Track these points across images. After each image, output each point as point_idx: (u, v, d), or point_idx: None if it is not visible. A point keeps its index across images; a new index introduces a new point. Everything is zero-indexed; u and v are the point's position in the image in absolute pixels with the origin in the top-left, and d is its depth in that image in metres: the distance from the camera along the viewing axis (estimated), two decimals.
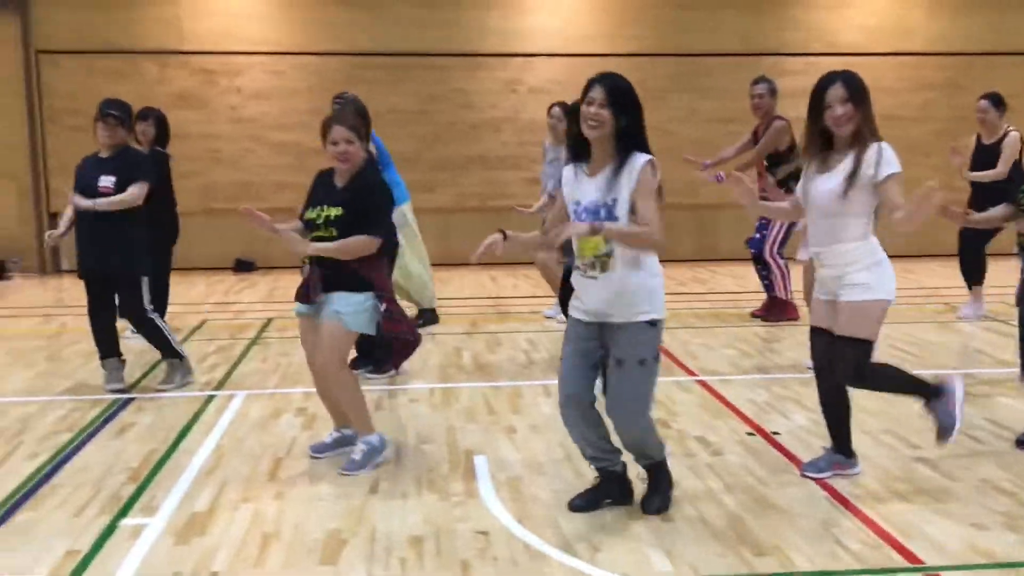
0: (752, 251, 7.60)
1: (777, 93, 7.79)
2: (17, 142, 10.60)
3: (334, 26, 10.85)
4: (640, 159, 3.43)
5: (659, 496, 3.73)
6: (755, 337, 7.07)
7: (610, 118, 3.39)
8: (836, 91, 3.73)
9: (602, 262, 3.46)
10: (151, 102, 9.78)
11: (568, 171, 3.59)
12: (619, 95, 3.42)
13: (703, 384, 5.66)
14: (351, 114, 4.55)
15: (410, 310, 6.89)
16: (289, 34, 10.87)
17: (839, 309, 3.85)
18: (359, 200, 4.15)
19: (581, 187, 3.53)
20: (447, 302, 8.32)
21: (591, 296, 3.54)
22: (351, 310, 4.12)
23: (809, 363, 4.61)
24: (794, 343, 6.69)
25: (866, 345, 3.81)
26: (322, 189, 4.25)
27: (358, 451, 4.21)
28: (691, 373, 5.94)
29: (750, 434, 4.67)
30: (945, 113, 11.70)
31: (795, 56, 11.49)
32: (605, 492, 3.74)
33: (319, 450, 4.39)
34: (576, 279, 3.59)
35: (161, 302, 6.83)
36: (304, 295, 4.24)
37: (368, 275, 4.16)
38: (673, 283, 10.00)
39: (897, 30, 11.66)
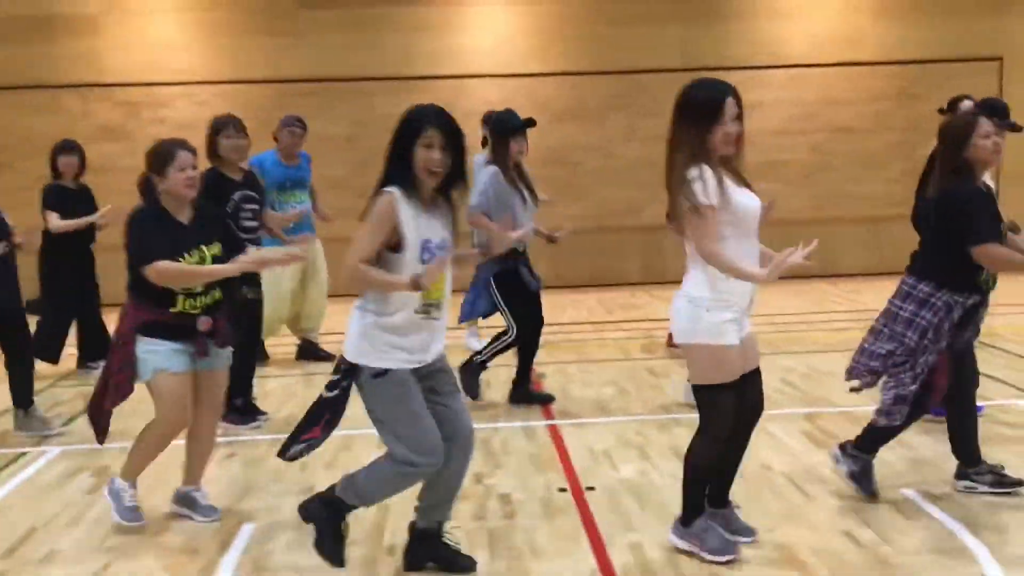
0: None
1: None
2: None
3: (259, 53, 10.66)
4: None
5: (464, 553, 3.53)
6: (645, 372, 6.69)
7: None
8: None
9: (438, 304, 3.32)
10: (75, 136, 9.70)
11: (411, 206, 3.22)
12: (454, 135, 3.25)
13: (553, 429, 5.32)
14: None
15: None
16: (213, 63, 10.69)
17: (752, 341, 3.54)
18: (221, 229, 4.00)
19: (430, 224, 3.27)
20: None
21: (435, 338, 3.35)
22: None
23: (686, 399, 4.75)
24: (682, 378, 6.32)
25: None
26: (174, 231, 3.83)
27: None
28: (548, 416, 5.60)
29: (562, 490, 4.31)
30: (900, 123, 11.25)
31: (739, 69, 11.10)
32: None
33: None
34: (418, 323, 3.26)
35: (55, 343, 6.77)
36: (204, 349, 3.87)
37: None
38: (602, 310, 9.67)
39: (845, 39, 11.23)
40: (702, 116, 3.35)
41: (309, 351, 7.41)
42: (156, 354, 3.79)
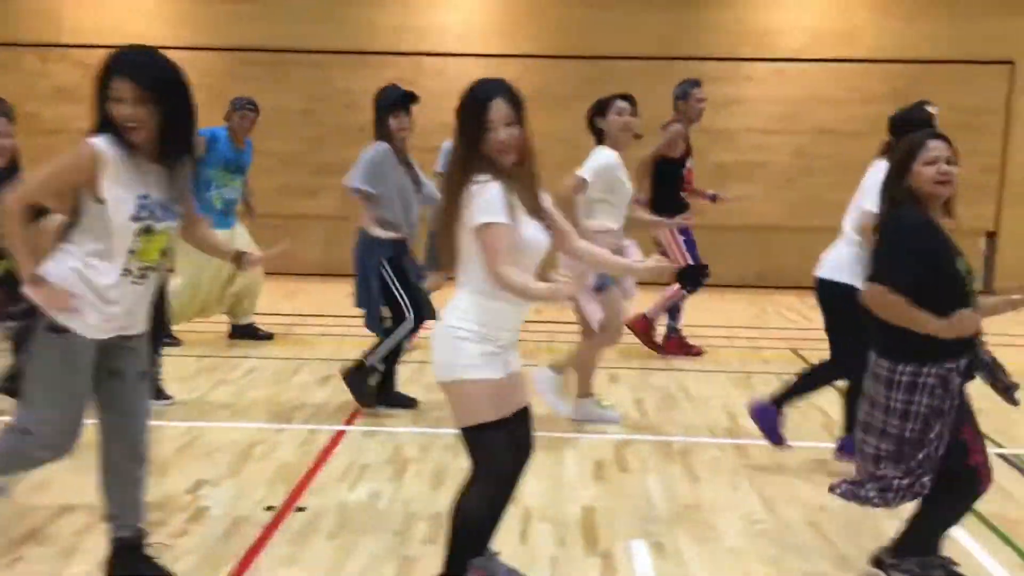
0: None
1: None
2: None
3: (219, 20, 10.45)
4: None
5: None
6: None
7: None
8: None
9: (159, 264, 3.01)
10: (32, 95, 9.69)
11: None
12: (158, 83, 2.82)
13: (339, 435, 4.91)
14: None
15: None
16: (172, 28, 10.51)
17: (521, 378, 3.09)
18: None
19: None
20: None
21: (140, 307, 3.01)
22: None
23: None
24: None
25: None
26: None
27: None
28: (350, 421, 5.20)
29: (268, 508, 3.90)
30: None
31: (720, 60, 10.40)
32: None
33: None
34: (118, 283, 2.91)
35: None
36: None
37: None
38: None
39: (840, 34, 10.40)
40: (470, 121, 2.86)
41: (246, 332, 7.25)
42: None
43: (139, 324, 3.05)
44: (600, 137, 5.12)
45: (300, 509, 3.90)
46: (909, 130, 4.35)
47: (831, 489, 3.27)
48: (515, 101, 2.90)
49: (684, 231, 6.87)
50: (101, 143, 2.79)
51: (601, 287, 5.04)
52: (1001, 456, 4.83)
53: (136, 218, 2.85)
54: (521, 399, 3.05)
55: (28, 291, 2.82)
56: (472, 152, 2.86)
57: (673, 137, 6.92)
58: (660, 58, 10.27)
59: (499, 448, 2.94)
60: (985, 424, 3.26)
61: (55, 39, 10.47)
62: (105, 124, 2.80)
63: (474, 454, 2.97)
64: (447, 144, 6.84)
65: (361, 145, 11.14)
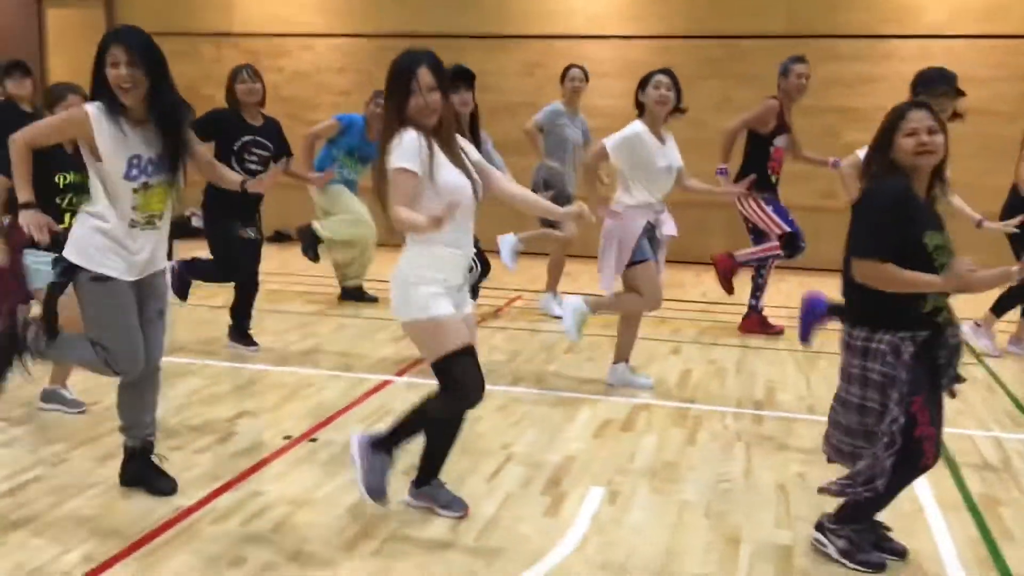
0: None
1: None
2: None
3: (363, 9, 11.20)
4: None
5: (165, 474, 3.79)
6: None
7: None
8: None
9: (161, 216, 3.57)
10: (209, 80, 10.81)
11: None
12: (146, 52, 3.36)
13: (386, 383, 5.41)
14: None
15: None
16: (325, 18, 11.37)
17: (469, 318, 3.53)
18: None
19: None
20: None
21: (157, 249, 3.57)
22: None
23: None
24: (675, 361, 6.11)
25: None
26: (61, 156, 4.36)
27: None
28: (401, 373, 5.67)
29: (286, 437, 4.44)
30: None
31: (856, 38, 10.06)
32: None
33: None
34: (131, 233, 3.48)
35: None
36: None
37: None
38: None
39: (985, 8, 9.78)
40: (398, 87, 3.28)
41: (353, 295, 7.82)
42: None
43: (159, 263, 3.63)
44: (641, 110, 5.27)
45: (313, 440, 4.42)
46: (927, 89, 4.31)
47: (821, 490, 3.29)
48: (438, 70, 3.26)
49: (770, 201, 6.79)
50: (92, 108, 3.37)
51: (639, 261, 5.20)
52: None
53: (128, 176, 3.41)
54: (470, 339, 3.39)
55: (21, 216, 3.42)
56: (400, 114, 3.26)
57: (762, 111, 6.85)
58: (790, 36, 10.08)
59: (464, 373, 3.31)
60: None
61: (227, 29, 11.62)
62: (99, 92, 3.39)
63: (444, 382, 3.36)
64: (552, 106, 7.39)
65: (492, 125, 11.63)
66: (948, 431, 4.76)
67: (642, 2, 10.61)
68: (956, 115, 4.64)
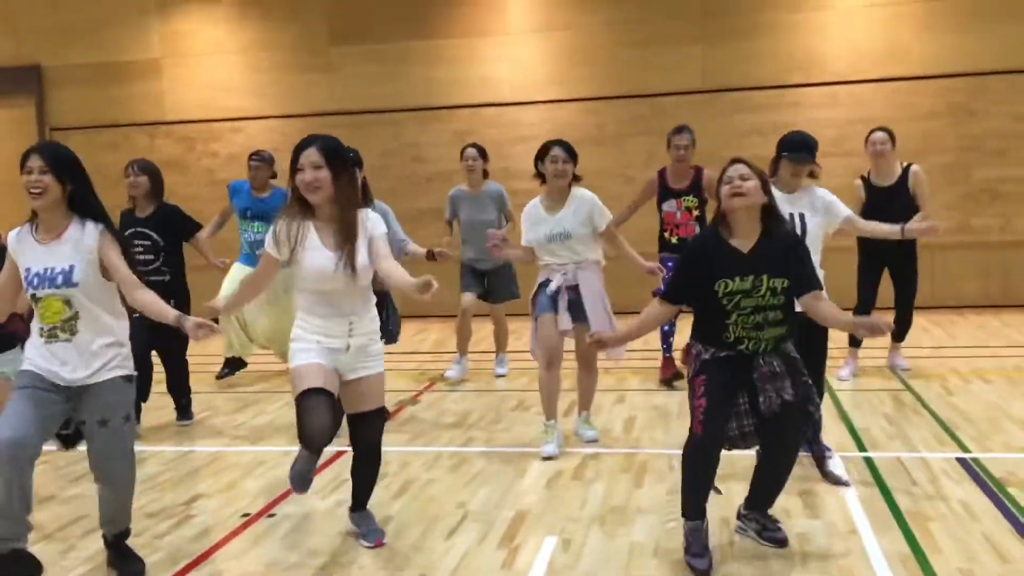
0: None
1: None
2: None
3: (297, 90, 11.45)
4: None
5: (138, 559, 3.86)
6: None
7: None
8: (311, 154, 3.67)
9: (70, 326, 3.57)
10: None
11: None
12: (59, 161, 3.51)
13: (339, 455, 5.52)
14: None
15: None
16: (257, 100, 11.59)
17: (369, 382, 3.90)
18: None
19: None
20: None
21: (67, 361, 3.60)
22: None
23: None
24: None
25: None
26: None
27: None
28: None
29: (244, 515, 4.53)
30: (954, 143, 10.25)
31: (767, 89, 10.58)
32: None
33: None
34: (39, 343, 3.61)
35: None
36: None
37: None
38: None
39: (887, 53, 10.37)
40: (290, 166, 3.73)
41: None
42: None
43: (81, 373, 3.56)
44: (543, 180, 5.43)
45: (271, 515, 4.52)
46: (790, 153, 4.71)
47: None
48: (326, 150, 3.65)
49: (667, 261, 6.84)
50: (11, 234, 3.60)
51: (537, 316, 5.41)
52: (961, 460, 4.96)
53: (28, 287, 3.56)
54: (360, 404, 3.91)
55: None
56: (293, 189, 3.71)
57: (641, 193, 7.31)
58: (706, 91, 10.57)
59: (303, 416, 3.68)
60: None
61: (160, 118, 11.77)
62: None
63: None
64: (452, 192, 7.53)
65: (429, 193, 11.83)
66: (878, 455, 5.06)
67: (566, 67, 11.02)
68: (812, 175, 5.05)
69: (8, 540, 3.49)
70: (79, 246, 3.53)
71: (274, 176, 7.64)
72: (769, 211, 3.68)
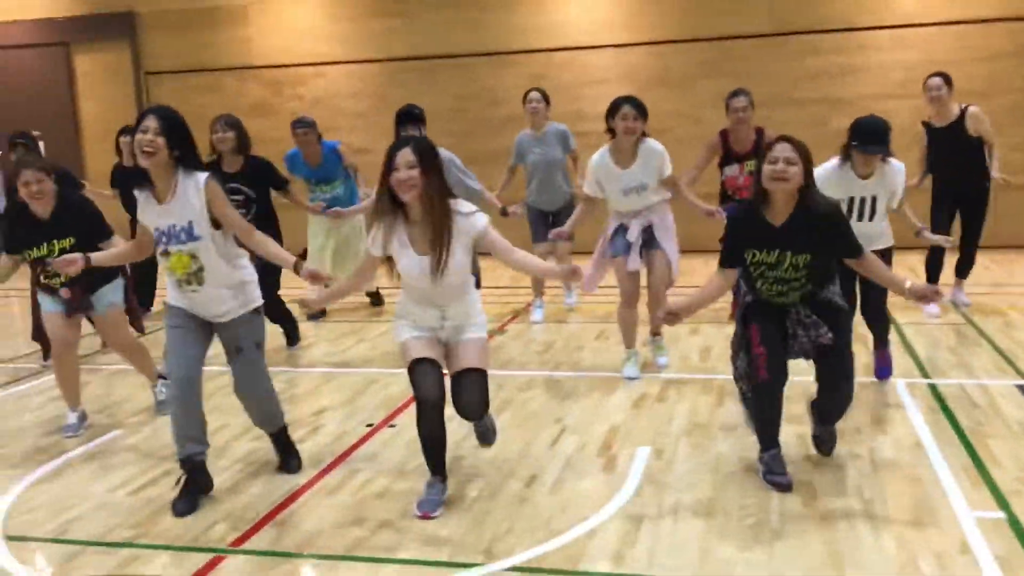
0: None
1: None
2: None
3: (372, 36, 11.90)
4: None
5: (294, 454, 4.46)
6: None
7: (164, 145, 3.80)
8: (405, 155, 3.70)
9: (197, 278, 4.00)
10: (235, 111, 11.47)
11: None
12: (172, 125, 3.82)
13: None
14: (36, 155, 5.54)
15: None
16: (337, 46, 12.07)
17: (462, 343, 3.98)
18: (79, 223, 4.96)
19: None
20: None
21: (203, 303, 4.10)
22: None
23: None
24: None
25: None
26: (29, 227, 4.94)
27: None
28: None
29: (368, 425, 5.12)
30: (1020, 84, 10.37)
31: (836, 32, 10.76)
32: (198, 484, 4.12)
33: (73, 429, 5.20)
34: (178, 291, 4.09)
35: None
36: (70, 310, 5.09)
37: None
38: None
39: None
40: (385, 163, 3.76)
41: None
42: (43, 300, 5.18)
43: (214, 313, 4.10)
44: (613, 134, 5.67)
45: (392, 426, 5.11)
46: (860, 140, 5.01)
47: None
48: (420, 150, 3.72)
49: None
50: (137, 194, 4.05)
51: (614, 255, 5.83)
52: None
53: (158, 244, 4.04)
54: (459, 362, 3.94)
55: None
56: (386, 188, 3.77)
57: (702, 155, 7.23)
58: (774, 34, 10.79)
59: (416, 387, 3.86)
60: None
61: (248, 62, 12.32)
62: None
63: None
64: (518, 136, 7.76)
65: (504, 135, 12.20)
66: (941, 381, 5.48)
67: (635, 12, 11.30)
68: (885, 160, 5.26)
69: (197, 454, 4.12)
70: (192, 198, 3.88)
71: (319, 138, 7.80)
72: (805, 190, 3.91)
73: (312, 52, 12.16)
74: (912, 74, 10.73)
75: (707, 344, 6.71)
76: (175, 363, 4.05)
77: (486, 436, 4.32)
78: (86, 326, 5.51)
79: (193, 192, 3.90)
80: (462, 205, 3.84)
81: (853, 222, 4.73)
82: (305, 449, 4.76)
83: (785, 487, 4.01)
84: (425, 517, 3.86)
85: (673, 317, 4.01)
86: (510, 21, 11.52)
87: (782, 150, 3.87)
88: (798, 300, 4.04)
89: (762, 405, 4.09)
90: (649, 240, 5.81)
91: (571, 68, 11.39)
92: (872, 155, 5.04)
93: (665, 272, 5.85)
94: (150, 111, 3.90)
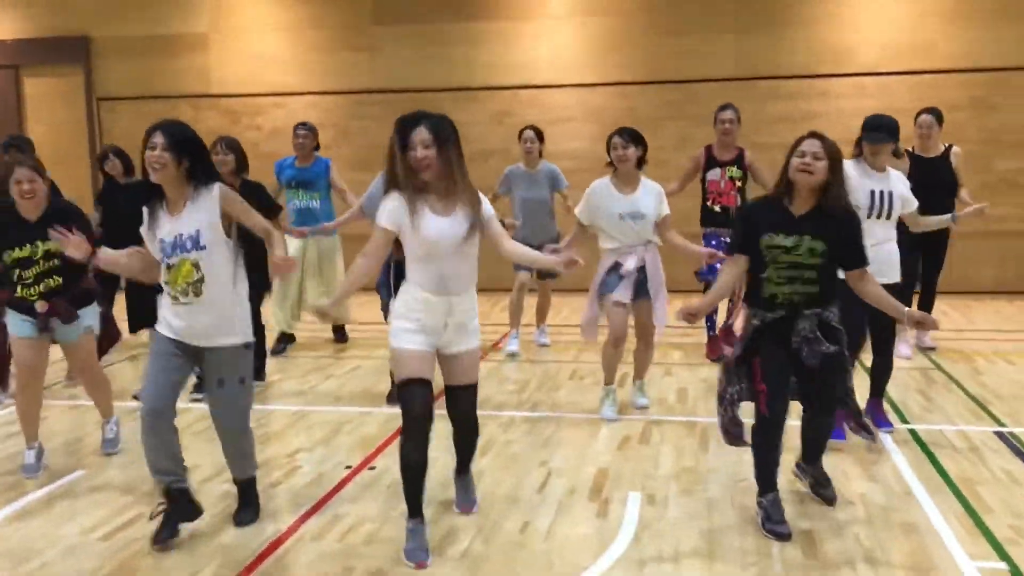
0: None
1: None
2: (83, 175, 12.36)
3: (336, 68, 11.79)
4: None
5: (252, 509, 4.23)
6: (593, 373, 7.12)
7: None
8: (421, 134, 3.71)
9: (195, 288, 3.87)
10: None
11: None
12: (179, 139, 3.78)
13: None
14: (31, 158, 5.32)
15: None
16: (300, 76, 11.92)
17: (459, 358, 3.96)
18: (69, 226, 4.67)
19: None
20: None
21: (193, 322, 3.92)
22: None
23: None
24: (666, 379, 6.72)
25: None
26: (15, 227, 4.79)
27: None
28: None
29: (346, 467, 4.96)
30: (974, 135, 10.64)
31: (799, 79, 10.96)
32: (180, 512, 3.99)
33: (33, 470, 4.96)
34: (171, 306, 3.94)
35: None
36: (44, 326, 4.82)
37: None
38: None
39: (914, 47, 10.76)
40: (396, 141, 3.76)
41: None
42: (11, 323, 4.89)
43: (203, 337, 3.93)
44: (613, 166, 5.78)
45: (371, 468, 4.94)
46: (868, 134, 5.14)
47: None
48: (436, 129, 3.74)
49: (711, 236, 7.37)
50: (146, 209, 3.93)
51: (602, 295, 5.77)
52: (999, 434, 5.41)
53: (163, 257, 3.91)
54: (456, 377, 3.98)
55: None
56: (400, 166, 3.75)
57: (688, 168, 7.69)
58: (739, 79, 10.94)
59: (407, 405, 3.83)
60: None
61: (205, 90, 12.09)
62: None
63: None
64: (509, 169, 7.88)
65: (468, 172, 11.92)
66: (920, 427, 5.49)
67: (601, 52, 11.37)
68: (896, 155, 5.47)
69: (173, 482, 3.94)
70: (202, 208, 3.82)
71: (317, 147, 8.11)
72: (828, 186, 3.97)
73: (273, 82, 12.00)
74: None
75: (682, 385, 6.67)
76: (149, 392, 3.89)
77: (469, 490, 4.32)
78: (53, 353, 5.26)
79: (205, 201, 3.84)
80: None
81: (872, 220, 4.99)
82: (283, 492, 4.58)
83: (784, 537, 3.95)
84: (421, 567, 3.71)
85: (691, 316, 4.07)
86: (477, 58, 11.51)
87: (810, 145, 3.95)
88: (802, 305, 3.98)
89: (761, 442, 4.07)
90: (640, 287, 5.76)
91: (536, 106, 11.40)
92: (877, 143, 5.12)
93: (652, 326, 5.87)
94: (157, 127, 3.87)
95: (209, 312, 3.91)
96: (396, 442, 5.24)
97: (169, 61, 12.10)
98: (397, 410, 5.95)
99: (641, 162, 5.77)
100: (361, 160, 10.94)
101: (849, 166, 5.35)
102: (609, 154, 5.79)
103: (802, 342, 4.00)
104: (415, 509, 3.88)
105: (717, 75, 11.02)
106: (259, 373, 6.89)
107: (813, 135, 4.02)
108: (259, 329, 6.83)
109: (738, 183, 7.51)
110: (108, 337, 5.25)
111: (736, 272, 4.20)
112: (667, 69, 11.18)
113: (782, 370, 4.03)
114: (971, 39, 10.63)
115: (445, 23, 11.52)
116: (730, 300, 7.73)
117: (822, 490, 4.38)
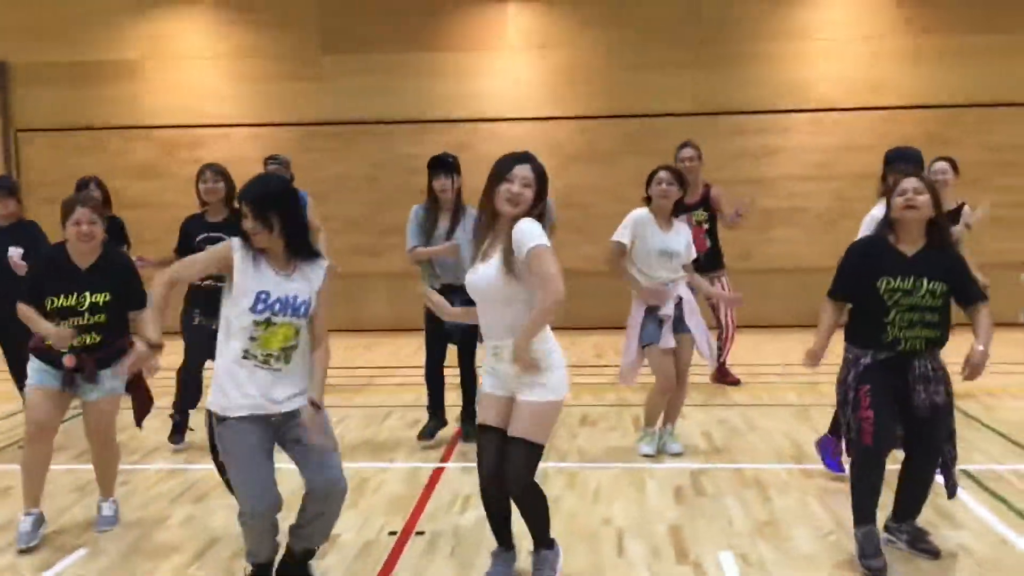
0: None
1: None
2: None
3: (286, 98, 11.21)
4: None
5: None
6: (594, 416, 6.72)
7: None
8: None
9: (287, 355, 3.56)
10: (116, 173, 10.40)
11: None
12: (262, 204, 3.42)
13: (437, 472, 5.43)
14: (95, 198, 4.77)
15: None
16: (244, 107, 11.30)
17: (518, 407, 3.63)
18: (121, 278, 4.35)
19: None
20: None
21: (278, 387, 3.57)
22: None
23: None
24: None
25: (539, 450, 3.68)
26: (65, 273, 4.29)
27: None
28: (446, 459, 5.71)
29: (391, 533, 4.42)
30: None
31: (759, 114, 10.98)
32: None
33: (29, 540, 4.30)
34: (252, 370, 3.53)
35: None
36: (69, 381, 4.31)
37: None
38: (593, 354, 9.62)
39: (870, 83, 10.94)
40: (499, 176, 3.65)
41: None
42: (32, 370, 4.35)
43: (287, 400, 3.55)
44: (649, 202, 5.64)
45: (419, 533, 4.42)
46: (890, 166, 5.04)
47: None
48: (539, 172, 3.68)
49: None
50: (235, 242, 3.50)
51: (645, 344, 5.54)
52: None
53: (264, 310, 3.46)
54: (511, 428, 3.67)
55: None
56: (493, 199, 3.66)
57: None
58: (699, 114, 10.87)
59: (480, 447, 3.74)
60: None
61: (137, 121, 11.29)
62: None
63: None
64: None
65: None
66: (974, 467, 5.31)
67: (560, 86, 11.14)
68: None
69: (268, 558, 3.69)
70: (310, 277, 3.59)
71: (291, 179, 7.47)
72: (934, 223, 3.93)
73: (213, 113, 11.31)
74: (829, 156, 11.07)
75: (703, 429, 6.36)
76: (257, 494, 3.49)
77: (543, 567, 3.78)
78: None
79: (315, 270, 3.62)
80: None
81: None
82: (332, 566, 4.02)
83: (879, 572, 3.80)
84: None
85: (813, 361, 4.09)
86: (432, 89, 11.11)
87: (910, 183, 3.91)
88: (924, 346, 3.88)
89: (862, 473, 3.97)
90: (678, 323, 5.58)
91: (495, 139, 11.05)
92: (899, 173, 4.96)
93: (691, 355, 5.71)
94: (243, 195, 3.49)
95: (293, 377, 3.58)
96: (436, 503, 4.88)
97: (96, 89, 11.28)
98: (418, 465, 5.66)
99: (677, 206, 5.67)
100: (311, 194, 10.36)
101: (878, 209, 5.25)
102: (648, 187, 5.58)
103: (919, 380, 3.88)
104: (503, 539, 3.83)
105: (677, 110, 10.94)
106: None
107: (911, 174, 3.98)
108: None
109: (705, 226, 7.50)
110: (140, 401, 4.59)
111: (837, 314, 4.12)
112: (627, 103, 11.04)
113: (888, 397, 3.90)
114: (925, 77, 10.86)
115: (398, 53, 11.11)
116: (719, 336, 7.58)
117: (923, 544, 4.09)
